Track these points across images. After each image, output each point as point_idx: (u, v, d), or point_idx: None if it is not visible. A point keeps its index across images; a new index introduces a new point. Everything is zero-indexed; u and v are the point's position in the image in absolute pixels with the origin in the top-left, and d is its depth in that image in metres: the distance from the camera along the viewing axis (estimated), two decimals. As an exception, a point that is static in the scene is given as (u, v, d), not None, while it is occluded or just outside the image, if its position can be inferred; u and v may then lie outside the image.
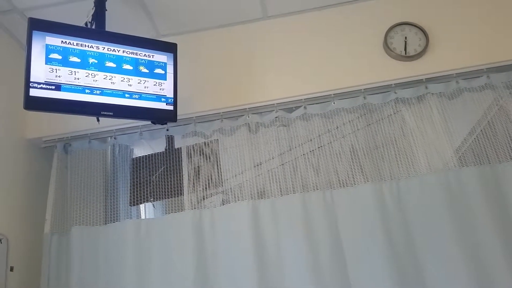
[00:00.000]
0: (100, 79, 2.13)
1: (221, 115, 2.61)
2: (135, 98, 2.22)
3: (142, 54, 2.25)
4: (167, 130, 2.64)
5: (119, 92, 2.18)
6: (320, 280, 2.18)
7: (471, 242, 2.13)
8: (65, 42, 2.07)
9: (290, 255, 2.26)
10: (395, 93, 2.52)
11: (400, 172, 2.37)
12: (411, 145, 2.42)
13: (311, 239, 2.26)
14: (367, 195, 2.30)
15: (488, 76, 2.48)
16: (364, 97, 2.53)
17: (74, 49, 2.09)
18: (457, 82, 2.49)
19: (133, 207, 2.62)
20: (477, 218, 2.17)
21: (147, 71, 2.26)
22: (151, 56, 2.28)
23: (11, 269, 2.31)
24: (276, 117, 2.58)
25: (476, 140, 2.38)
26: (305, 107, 2.56)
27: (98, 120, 2.38)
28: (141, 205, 2.66)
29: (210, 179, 2.55)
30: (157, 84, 2.28)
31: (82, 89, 2.09)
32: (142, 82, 2.24)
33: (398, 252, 2.18)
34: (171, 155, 2.65)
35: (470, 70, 2.50)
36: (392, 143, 2.44)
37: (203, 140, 2.63)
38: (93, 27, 2.25)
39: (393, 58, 2.54)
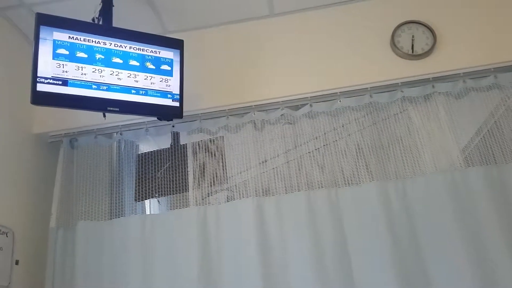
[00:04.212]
0: (107, 75, 2.14)
1: (227, 112, 2.61)
2: (141, 94, 2.22)
3: (149, 50, 2.25)
4: (173, 126, 2.64)
5: (125, 88, 2.18)
6: (324, 277, 2.19)
7: (476, 242, 2.12)
8: (73, 37, 2.08)
9: (295, 252, 2.26)
10: (402, 92, 2.50)
11: (405, 171, 2.37)
12: (417, 144, 2.41)
13: (316, 237, 2.26)
14: (372, 193, 2.30)
15: (495, 76, 2.46)
16: (371, 96, 2.53)
17: (82, 44, 2.10)
18: (464, 81, 2.48)
19: (138, 203, 2.63)
20: (483, 218, 2.16)
21: (154, 67, 2.26)
22: (158, 53, 2.28)
23: (17, 262, 2.33)
24: (282, 115, 2.57)
25: (483, 140, 2.37)
26: (311, 105, 2.56)
27: (104, 115, 2.38)
28: (146, 200, 2.67)
29: (215, 176, 2.55)
30: (163, 80, 2.29)
31: (89, 85, 2.10)
32: (149, 78, 2.24)
33: (402, 250, 2.18)
34: (177, 151, 2.65)
35: (477, 69, 2.48)
36: (398, 142, 2.43)
37: (209, 137, 2.64)
38: (100, 23, 2.26)
39: (400, 56, 2.53)
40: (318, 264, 2.21)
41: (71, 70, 2.06)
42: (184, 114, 2.36)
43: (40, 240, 2.50)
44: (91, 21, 2.24)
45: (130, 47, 2.21)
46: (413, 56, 2.50)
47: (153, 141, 2.74)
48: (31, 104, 2.03)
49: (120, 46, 2.18)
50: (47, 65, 2.01)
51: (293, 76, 2.59)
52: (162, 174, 2.62)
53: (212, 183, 2.54)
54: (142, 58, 2.23)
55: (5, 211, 2.33)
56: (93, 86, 2.11)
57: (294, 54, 2.64)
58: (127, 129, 2.67)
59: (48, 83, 2.02)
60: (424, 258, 2.16)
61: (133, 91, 2.20)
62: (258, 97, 2.59)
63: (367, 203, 2.29)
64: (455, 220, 2.17)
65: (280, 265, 2.26)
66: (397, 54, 2.53)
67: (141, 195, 2.62)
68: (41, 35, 2.01)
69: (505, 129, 2.37)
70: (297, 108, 2.59)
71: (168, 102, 2.30)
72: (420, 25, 2.55)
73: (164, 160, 2.65)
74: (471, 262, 2.08)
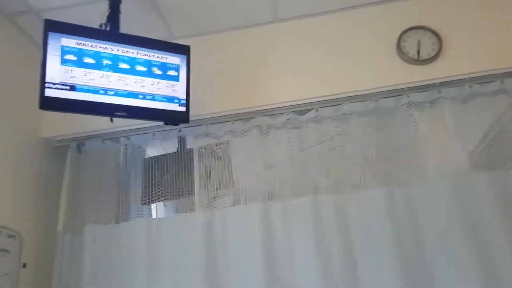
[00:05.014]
0: (114, 80, 2.16)
1: (233, 117, 2.62)
2: (148, 99, 2.24)
3: (156, 55, 2.27)
4: (179, 131, 2.66)
5: (132, 93, 2.20)
6: (330, 282, 2.18)
7: (482, 248, 2.11)
8: (80, 43, 2.10)
9: (301, 257, 2.26)
10: (408, 97, 2.50)
11: (411, 177, 2.35)
12: (423, 149, 2.40)
13: (322, 242, 2.26)
14: (378, 199, 2.29)
15: (502, 81, 2.45)
16: (376, 101, 2.52)
17: (89, 50, 2.11)
18: (470, 86, 2.46)
19: (144, 207, 2.64)
20: (489, 224, 2.14)
21: (160, 72, 2.28)
22: (164, 58, 2.29)
23: (24, 265, 2.35)
24: (288, 119, 2.57)
25: (489, 146, 2.36)
26: (316, 110, 2.56)
27: (111, 120, 2.40)
28: (152, 204, 2.68)
29: (221, 180, 2.56)
30: (170, 85, 2.30)
31: (96, 90, 2.11)
32: (155, 83, 2.26)
33: (408, 256, 2.17)
34: (183, 155, 2.66)
35: (483, 74, 2.46)
36: (404, 147, 2.43)
37: (215, 141, 2.64)
38: (108, 29, 2.28)
39: (406, 61, 2.53)
40: (324, 269, 2.21)
41: (79, 76, 2.08)
42: (190, 118, 2.37)
43: (47, 243, 2.52)
44: (98, 27, 2.26)
45: (137, 53, 2.22)
46: (419, 61, 2.50)
47: (159, 145, 2.76)
48: (39, 109, 2.04)
49: (127, 52, 2.20)
50: (55, 71, 2.03)
51: (298, 81, 2.60)
52: (169, 178, 2.63)
53: (218, 188, 2.55)
54: (149, 64, 2.25)
55: (12, 214, 2.35)
56: (101, 91, 2.13)
57: (300, 59, 2.65)
58: (134, 133, 2.68)
59: (56, 88, 2.03)
60: (429, 263, 2.15)
61: (140, 96, 2.22)
62: (263, 102, 2.59)
63: (372, 209, 2.28)
64: (461, 225, 2.16)
65: (286, 270, 2.26)
66: (403, 59, 2.53)
67: (148, 199, 2.63)
68: (49, 41, 2.03)
69: (511, 135, 2.35)
70: (302, 113, 2.59)
71: (174, 107, 2.31)
72: (426, 30, 2.54)
73: (171, 164, 2.66)
74: (476, 267, 2.07)
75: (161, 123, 2.52)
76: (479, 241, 2.13)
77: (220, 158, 2.62)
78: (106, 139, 2.69)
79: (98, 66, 2.12)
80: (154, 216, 2.70)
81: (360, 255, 2.23)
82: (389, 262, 2.17)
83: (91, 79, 2.10)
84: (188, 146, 2.70)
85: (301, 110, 2.58)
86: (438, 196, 2.25)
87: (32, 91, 2.51)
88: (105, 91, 2.13)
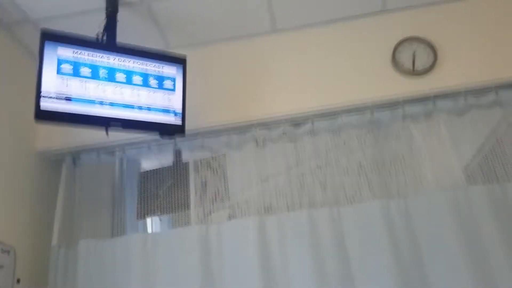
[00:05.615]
0: (110, 91, 2.15)
1: (229, 130, 2.61)
2: (144, 111, 2.23)
3: (152, 66, 2.26)
4: (175, 144, 2.64)
5: (128, 105, 2.19)
6: (327, 296, 2.16)
7: (479, 261, 2.10)
8: (77, 53, 2.09)
9: (297, 271, 2.24)
10: (403, 109, 2.50)
11: (407, 189, 2.35)
12: (419, 162, 2.40)
13: (318, 256, 2.24)
14: (374, 212, 2.29)
15: (496, 93, 2.46)
16: (372, 113, 2.52)
17: (85, 60, 2.11)
18: (465, 98, 2.47)
19: (140, 221, 2.62)
20: (485, 237, 2.14)
21: (156, 83, 2.27)
22: (161, 68, 2.29)
23: (18, 281, 2.31)
24: (284, 132, 2.57)
25: (485, 158, 2.36)
26: (312, 122, 2.56)
27: (107, 133, 2.38)
28: (148, 218, 2.66)
29: (217, 194, 2.54)
30: (166, 96, 2.29)
31: (92, 101, 2.10)
32: (151, 94, 2.25)
33: (405, 269, 2.16)
34: (179, 169, 2.65)
35: (478, 86, 2.47)
36: (400, 160, 2.43)
37: (211, 154, 2.63)
38: (105, 39, 2.27)
39: (401, 73, 2.53)
40: (320, 283, 2.19)
41: (74, 86, 2.07)
42: (186, 131, 2.35)
43: (41, 258, 2.48)
44: (95, 37, 2.25)
45: (133, 63, 2.22)
46: (414, 73, 2.51)
47: (155, 158, 2.74)
48: (35, 121, 2.03)
49: (124, 62, 2.19)
50: (51, 81, 2.02)
51: (294, 93, 2.60)
52: (164, 192, 2.61)
53: (214, 201, 2.53)
54: (145, 75, 2.24)
55: (7, 228, 2.32)
56: (96, 102, 2.12)
57: (296, 71, 2.65)
58: (129, 146, 2.67)
59: (52, 99, 2.02)
60: (427, 276, 2.14)
61: (135, 108, 2.21)
62: (259, 114, 2.58)
63: (369, 221, 2.27)
64: (457, 238, 2.16)
65: (282, 284, 2.24)
66: (398, 71, 2.54)
67: (143, 213, 2.62)
68: (45, 51, 2.03)
69: (507, 147, 2.36)
70: (299, 125, 2.58)
71: (170, 118, 2.30)
72: (421, 42, 2.56)
73: (166, 178, 2.65)
74: (473, 280, 2.06)
75: (157, 136, 2.50)
76: (476, 254, 2.12)
77: (216, 171, 2.60)
78: (101, 152, 2.67)
79: (94, 76, 2.12)
80: (149, 230, 2.68)
81: (357, 268, 2.21)
82: (386, 275, 2.16)
83: (87, 90, 2.09)
84: (184, 159, 2.68)
85: (297, 123, 2.58)
86: (434, 209, 2.25)
87: (28, 102, 2.50)
88: (101, 102, 2.12)
